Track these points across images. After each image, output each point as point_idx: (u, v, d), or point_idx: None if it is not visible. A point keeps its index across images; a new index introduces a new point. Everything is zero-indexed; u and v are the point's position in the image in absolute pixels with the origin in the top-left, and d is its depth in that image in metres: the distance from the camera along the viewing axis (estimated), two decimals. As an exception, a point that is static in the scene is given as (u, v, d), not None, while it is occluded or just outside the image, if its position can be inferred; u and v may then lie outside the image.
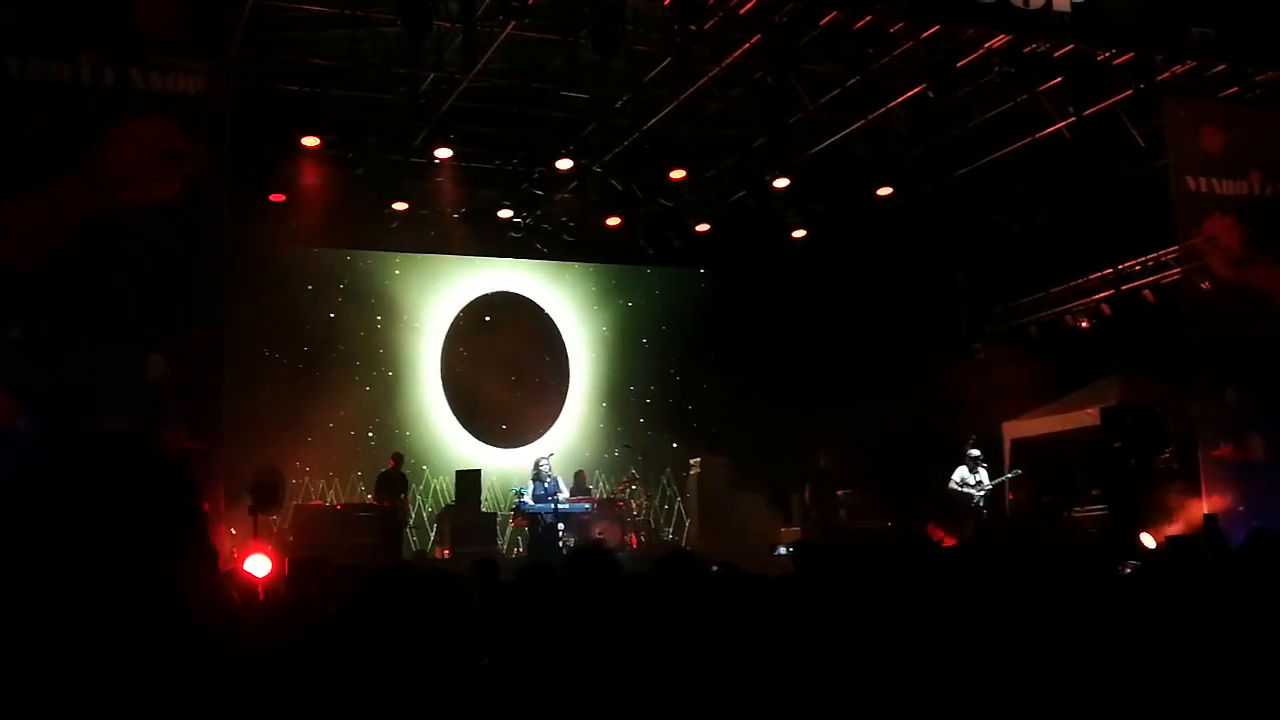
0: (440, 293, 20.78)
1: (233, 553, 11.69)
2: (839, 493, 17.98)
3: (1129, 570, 5.97)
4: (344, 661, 2.25)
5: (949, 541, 11.70)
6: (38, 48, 10.41)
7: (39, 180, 10.29)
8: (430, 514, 18.93)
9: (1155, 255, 17.94)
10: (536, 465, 17.80)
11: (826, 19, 13.74)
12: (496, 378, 20.25)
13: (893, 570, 3.95)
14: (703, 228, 19.89)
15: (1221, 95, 15.14)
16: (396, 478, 16.98)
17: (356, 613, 2.49)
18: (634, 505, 19.26)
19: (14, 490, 1.59)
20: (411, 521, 18.20)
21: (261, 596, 8.61)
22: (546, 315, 21.57)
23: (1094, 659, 3.26)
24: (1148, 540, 12.90)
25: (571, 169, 17.68)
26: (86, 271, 10.33)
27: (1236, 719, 3.25)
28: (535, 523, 17.45)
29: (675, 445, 20.94)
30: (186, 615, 1.61)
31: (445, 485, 19.05)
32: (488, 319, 21.03)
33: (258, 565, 10.59)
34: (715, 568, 5.86)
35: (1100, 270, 19.05)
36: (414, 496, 18.35)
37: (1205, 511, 13.07)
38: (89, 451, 1.65)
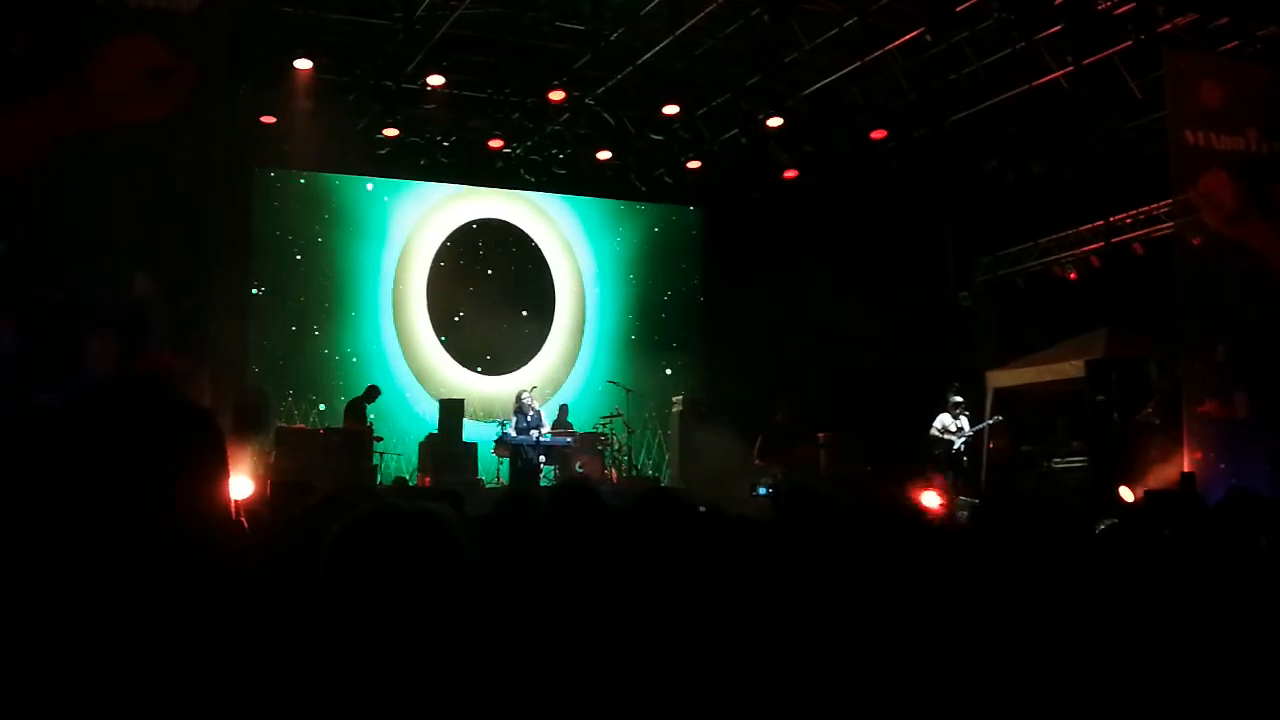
0: (428, 220, 20.72)
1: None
2: (819, 436, 17.98)
3: (1104, 527, 5.99)
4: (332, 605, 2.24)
5: (939, 505, 11.51)
6: (26, -41, 10.20)
7: (25, 96, 10.12)
8: (413, 441, 18.93)
9: (1147, 208, 17.90)
10: (519, 398, 17.86)
11: (827, -42, 13.61)
12: (483, 305, 20.28)
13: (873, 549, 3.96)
14: (694, 164, 19.80)
15: (1221, 49, 15.05)
16: (359, 404, 17.03)
17: (341, 559, 2.47)
18: (616, 440, 19.33)
19: (46, 434, 1.60)
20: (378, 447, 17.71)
21: (244, 519, 8.60)
22: (534, 245, 21.52)
23: (1071, 617, 3.27)
24: (1126, 494, 12.97)
25: (564, 100, 17.54)
26: (73, 189, 10.18)
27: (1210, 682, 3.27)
28: (517, 454, 17.54)
29: (659, 382, 21.00)
30: (210, 547, 1.63)
31: (430, 412, 19.09)
32: (476, 245, 21.00)
33: (237, 487, 10.60)
34: (702, 509, 5.88)
35: (1091, 222, 19.01)
36: (372, 420, 17.75)
37: (1185, 469, 13.12)
38: (117, 396, 1.66)
